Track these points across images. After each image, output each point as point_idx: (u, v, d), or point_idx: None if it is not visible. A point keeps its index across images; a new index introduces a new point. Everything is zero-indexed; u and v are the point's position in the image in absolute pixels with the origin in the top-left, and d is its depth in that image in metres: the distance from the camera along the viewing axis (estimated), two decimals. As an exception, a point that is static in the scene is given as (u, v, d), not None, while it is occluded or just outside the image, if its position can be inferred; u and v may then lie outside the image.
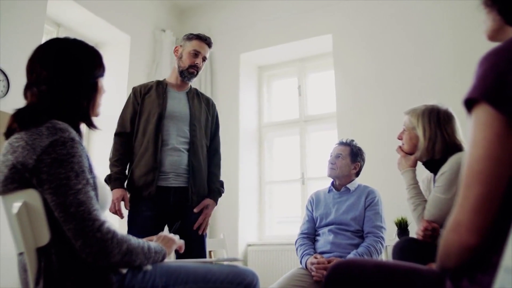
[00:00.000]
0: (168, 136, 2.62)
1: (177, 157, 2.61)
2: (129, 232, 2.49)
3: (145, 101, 2.69)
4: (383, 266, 1.19)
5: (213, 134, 2.84)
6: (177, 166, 2.61)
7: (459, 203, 0.88)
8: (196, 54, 2.73)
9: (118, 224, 2.76)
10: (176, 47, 2.83)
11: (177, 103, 2.72)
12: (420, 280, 1.08)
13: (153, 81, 2.83)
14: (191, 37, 2.77)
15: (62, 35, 3.69)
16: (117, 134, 2.70)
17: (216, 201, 2.73)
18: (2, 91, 3.29)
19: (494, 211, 0.84)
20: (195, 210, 2.63)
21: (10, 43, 3.37)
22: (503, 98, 0.82)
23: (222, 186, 2.79)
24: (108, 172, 2.61)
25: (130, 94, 2.77)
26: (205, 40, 2.78)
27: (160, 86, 2.75)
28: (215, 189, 2.73)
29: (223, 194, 2.79)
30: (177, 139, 2.63)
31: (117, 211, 2.54)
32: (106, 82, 1.56)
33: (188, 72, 2.74)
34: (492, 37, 1.07)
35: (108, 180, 2.57)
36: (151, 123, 2.61)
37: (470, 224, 0.85)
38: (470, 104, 0.88)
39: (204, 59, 2.79)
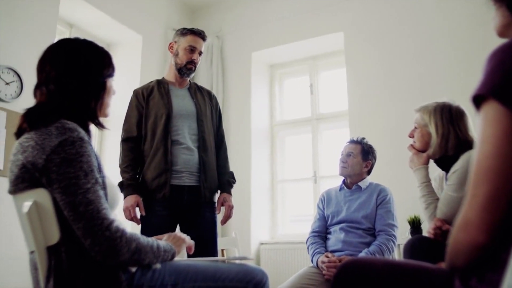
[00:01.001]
0: (180, 135, 2.62)
1: (190, 155, 2.61)
2: (145, 233, 2.43)
3: (150, 103, 2.66)
4: (392, 265, 1.18)
5: (218, 125, 2.83)
6: (191, 165, 2.61)
7: (468, 201, 0.87)
8: (192, 49, 2.71)
9: (130, 228, 2.77)
10: (170, 44, 2.78)
11: (182, 101, 2.70)
12: (429, 279, 1.07)
13: (152, 81, 2.78)
14: (185, 32, 2.73)
15: (74, 35, 3.72)
16: (124, 140, 2.67)
17: (230, 193, 2.74)
18: (15, 91, 3.32)
19: (503, 209, 0.82)
20: (218, 212, 2.65)
21: (23, 44, 3.40)
22: (511, 94, 0.81)
23: (233, 177, 2.79)
24: (119, 177, 2.60)
25: (132, 98, 2.73)
26: (200, 35, 2.74)
27: (162, 86, 2.72)
28: (225, 182, 2.74)
29: (238, 194, 2.79)
30: (189, 137, 2.63)
31: (133, 218, 2.53)
32: (118, 82, 1.57)
33: (186, 69, 2.71)
34: (502, 33, 1.06)
35: (121, 187, 2.54)
36: (160, 124, 2.59)
37: (479, 222, 0.84)
38: (478, 100, 0.87)
39: (200, 53, 2.76)
